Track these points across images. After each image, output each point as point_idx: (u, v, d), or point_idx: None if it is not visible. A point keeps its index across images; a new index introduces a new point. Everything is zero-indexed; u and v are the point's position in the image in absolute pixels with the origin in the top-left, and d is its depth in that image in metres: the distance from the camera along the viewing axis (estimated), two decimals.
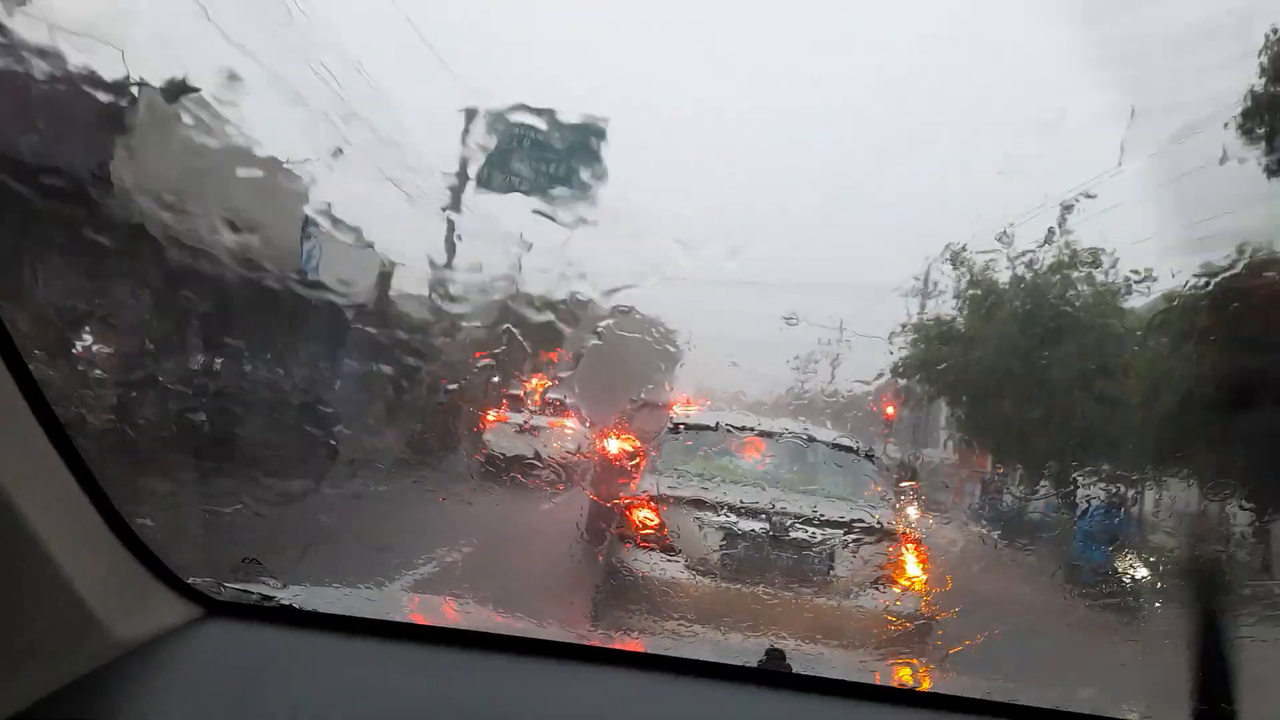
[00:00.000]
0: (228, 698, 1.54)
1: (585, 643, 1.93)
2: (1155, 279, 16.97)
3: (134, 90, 8.22)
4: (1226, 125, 11.42)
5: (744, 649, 1.91)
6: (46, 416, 1.31)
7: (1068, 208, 17.39)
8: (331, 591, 2.08)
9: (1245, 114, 11.14)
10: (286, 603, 1.80)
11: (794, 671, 1.83)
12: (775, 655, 1.84)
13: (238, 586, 1.82)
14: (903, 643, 4.60)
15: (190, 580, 1.71)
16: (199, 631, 1.67)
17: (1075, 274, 17.81)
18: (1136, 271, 17.38)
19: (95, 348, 7.67)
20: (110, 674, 1.41)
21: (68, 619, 1.36)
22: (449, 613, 2.30)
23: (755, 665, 1.82)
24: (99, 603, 1.40)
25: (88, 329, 7.58)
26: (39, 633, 1.33)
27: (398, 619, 1.90)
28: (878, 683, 1.92)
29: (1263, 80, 10.90)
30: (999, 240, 18.13)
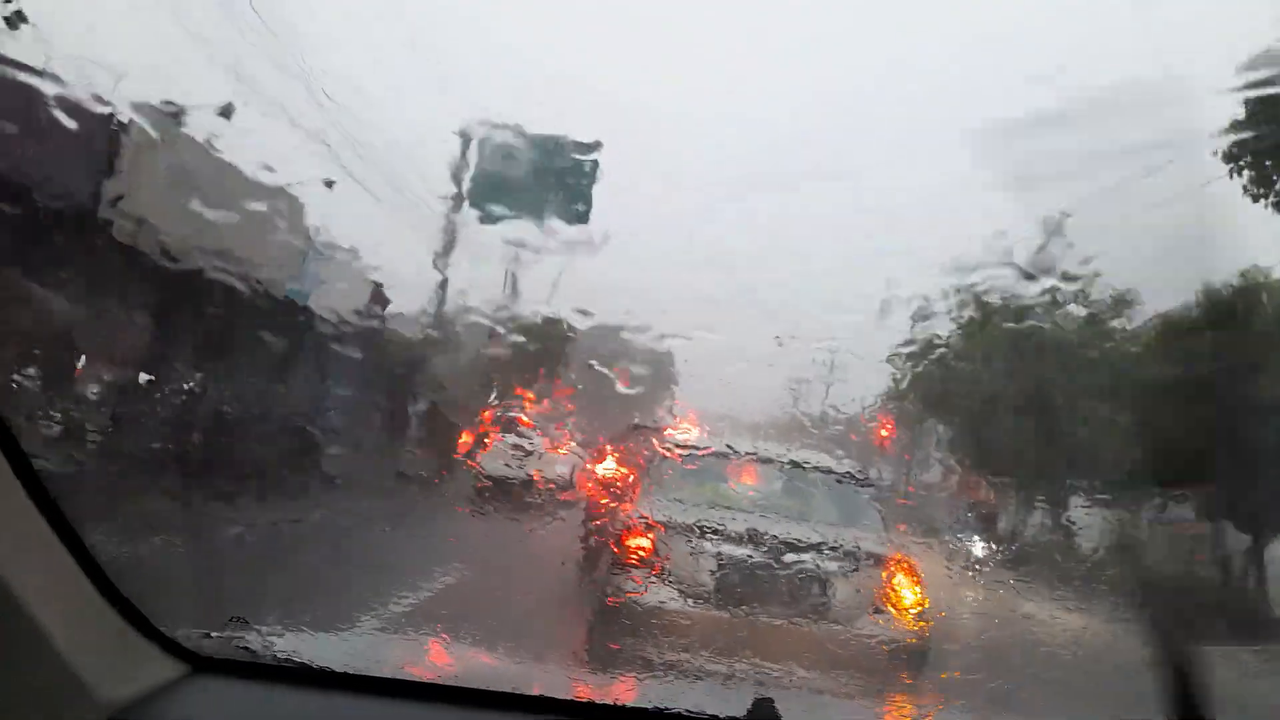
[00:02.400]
0: None
1: (572, 697, 1.89)
2: (1144, 302, 17.09)
3: (131, 115, 8.22)
4: (1215, 154, 11.56)
5: (734, 695, 1.86)
6: (25, 472, 1.28)
7: (1052, 229, 17.57)
8: (319, 640, 2.05)
9: (1229, 137, 11.28)
10: (274, 655, 1.77)
11: None
12: (764, 705, 1.80)
13: (224, 639, 1.79)
14: (895, 677, 4.55)
15: (176, 635, 1.67)
16: (186, 689, 1.63)
17: (1064, 291, 17.90)
18: (1120, 294, 17.50)
19: (81, 383, 7.62)
20: None
21: (53, 681, 1.32)
22: (437, 659, 2.27)
23: (742, 717, 1.78)
24: (85, 663, 1.37)
25: (75, 364, 7.54)
26: (25, 697, 1.30)
27: (385, 673, 1.87)
28: None
29: (1245, 106, 11.03)
30: (1004, 264, 18.19)
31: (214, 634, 1.80)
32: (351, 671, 1.82)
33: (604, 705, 1.90)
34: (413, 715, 1.73)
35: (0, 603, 1.21)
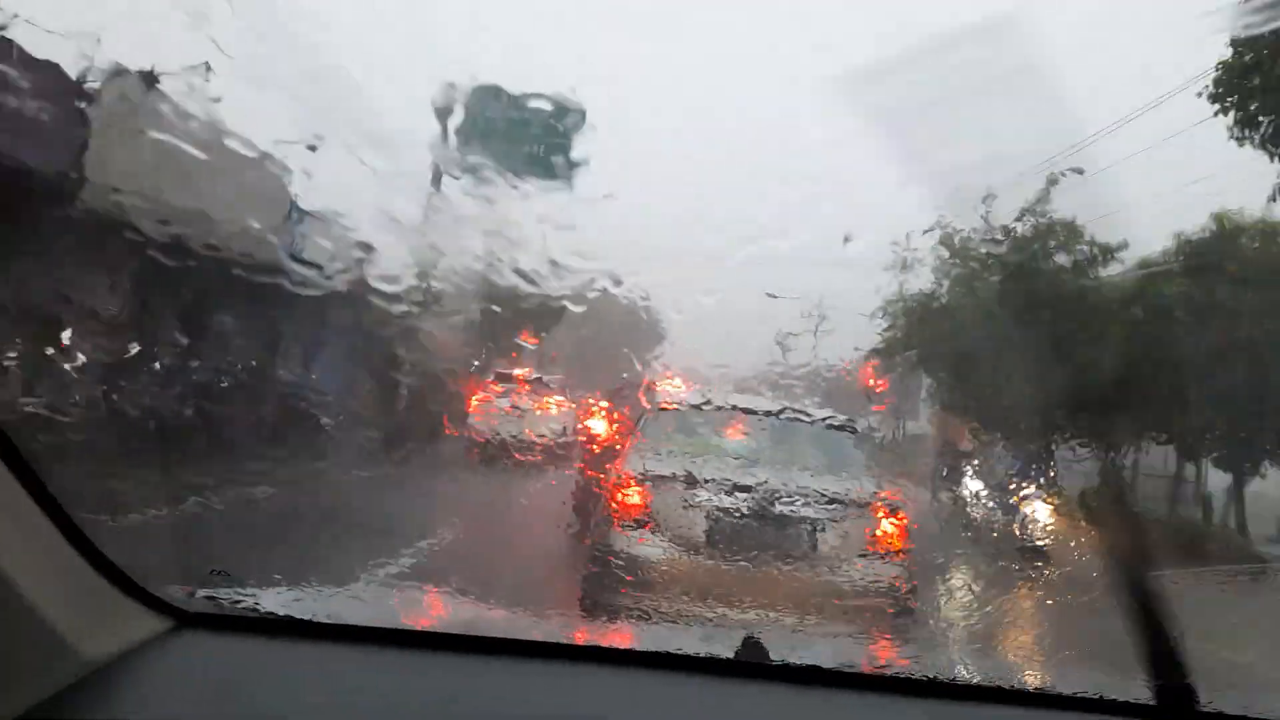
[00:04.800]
0: (202, 711, 1.49)
1: (566, 640, 1.92)
2: (1127, 246, 17.13)
3: (106, 80, 8.09)
4: (1200, 95, 11.53)
5: (724, 637, 1.92)
6: None
7: (1053, 181, 17.34)
8: (310, 594, 2.04)
9: (1216, 83, 11.25)
10: (261, 609, 1.74)
11: (771, 661, 1.81)
12: (752, 645, 1.83)
13: (209, 595, 1.76)
14: (884, 619, 4.68)
15: (159, 591, 1.64)
16: (170, 644, 1.61)
17: (1051, 244, 17.92)
18: (1101, 245, 17.53)
19: (63, 345, 7.59)
20: (79, 693, 1.37)
21: (30, 639, 1.30)
22: (433, 609, 2.29)
23: (732, 656, 1.81)
24: (62, 620, 1.34)
25: (51, 329, 7.51)
26: (1, 655, 1.28)
27: (378, 623, 1.86)
28: (857, 668, 1.90)
29: (1231, 50, 11.00)
30: (983, 203, 18.10)
31: (199, 590, 1.77)
32: (345, 623, 1.81)
33: (599, 648, 1.91)
34: (407, 663, 1.72)
35: None
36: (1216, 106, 11.28)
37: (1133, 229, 16.78)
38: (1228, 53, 11.00)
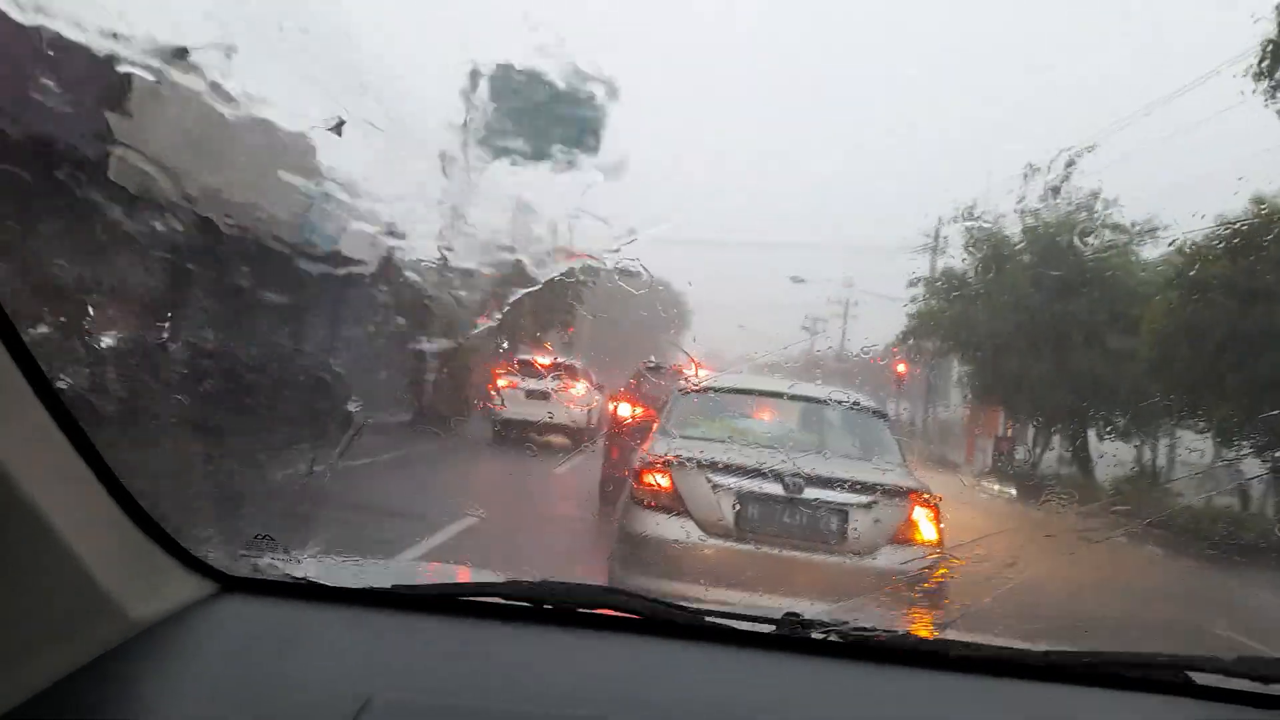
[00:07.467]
0: (246, 673, 1.53)
1: (600, 610, 1.90)
2: (1165, 227, 16.84)
3: (130, 57, 8.10)
4: (1246, 73, 11.25)
5: (761, 613, 1.88)
6: (47, 394, 1.28)
7: (1070, 163, 17.22)
8: (346, 563, 2.08)
9: (1261, 62, 10.98)
10: (303, 575, 1.79)
11: (812, 635, 1.80)
12: (793, 618, 1.81)
13: (252, 561, 1.80)
14: (919, 602, 4.59)
15: (203, 556, 1.69)
16: (214, 608, 1.66)
17: (1085, 226, 17.67)
18: (1136, 224, 17.25)
19: (97, 321, 7.67)
20: (126, 653, 1.41)
21: (81, 600, 1.35)
22: (464, 579, 2.29)
23: (772, 629, 1.80)
24: (112, 582, 1.39)
25: (90, 303, 7.60)
26: (52, 615, 1.32)
27: (414, 590, 1.88)
28: (899, 643, 1.88)
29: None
30: (1023, 176, 17.86)
31: (242, 553, 1.81)
32: (381, 588, 1.83)
33: (634, 619, 1.89)
34: (443, 629, 1.75)
35: (25, 522, 1.23)
36: (1257, 85, 11.02)
37: (1172, 212, 16.50)
38: (1274, 31, 10.72)
